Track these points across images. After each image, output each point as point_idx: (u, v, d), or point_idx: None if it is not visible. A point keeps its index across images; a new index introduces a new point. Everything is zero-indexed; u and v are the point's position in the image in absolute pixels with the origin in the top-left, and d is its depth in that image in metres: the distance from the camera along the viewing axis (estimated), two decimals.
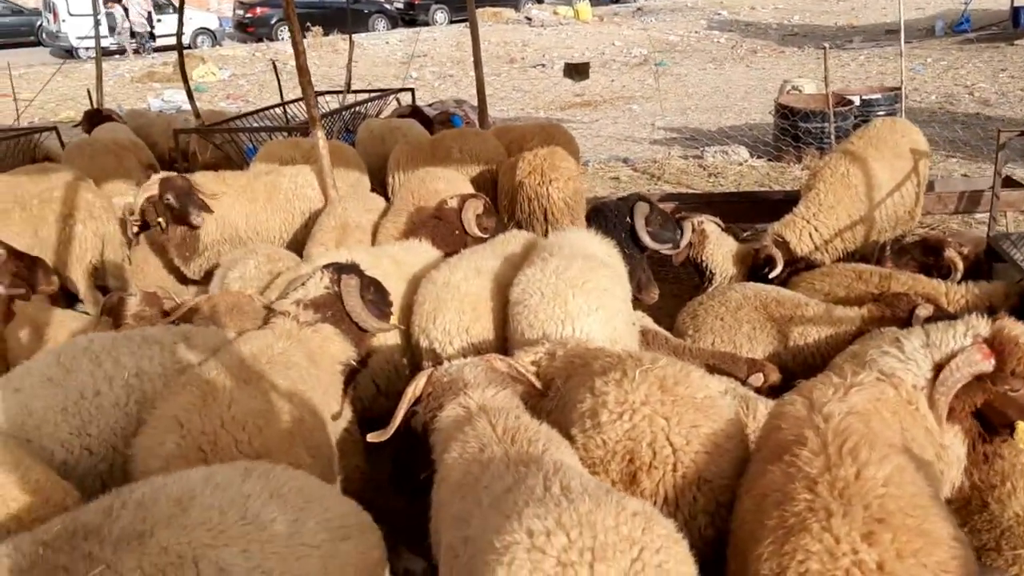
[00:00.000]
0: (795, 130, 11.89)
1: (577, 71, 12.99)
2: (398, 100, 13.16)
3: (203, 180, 7.45)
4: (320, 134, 7.23)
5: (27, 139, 11.47)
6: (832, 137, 11.56)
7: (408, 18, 36.51)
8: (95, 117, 12.13)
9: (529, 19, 34.35)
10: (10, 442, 3.55)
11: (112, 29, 31.75)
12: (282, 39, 33.43)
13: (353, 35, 32.93)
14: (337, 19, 33.64)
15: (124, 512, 2.54)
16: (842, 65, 21.01)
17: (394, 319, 4.76)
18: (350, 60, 12.78)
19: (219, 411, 3.34)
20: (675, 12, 36.02)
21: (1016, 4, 22.36)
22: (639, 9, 37.39)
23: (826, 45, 11.44)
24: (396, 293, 5.04)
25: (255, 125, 11.12)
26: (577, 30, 32.68)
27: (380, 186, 8.35)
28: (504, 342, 4.62)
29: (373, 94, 12.53)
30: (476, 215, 5.87)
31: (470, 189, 6.80)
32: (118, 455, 3.92)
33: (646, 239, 5.89)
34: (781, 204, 7.90)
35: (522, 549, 2.16)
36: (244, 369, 3.61)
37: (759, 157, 12.81)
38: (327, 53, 30.60)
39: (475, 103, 12.40)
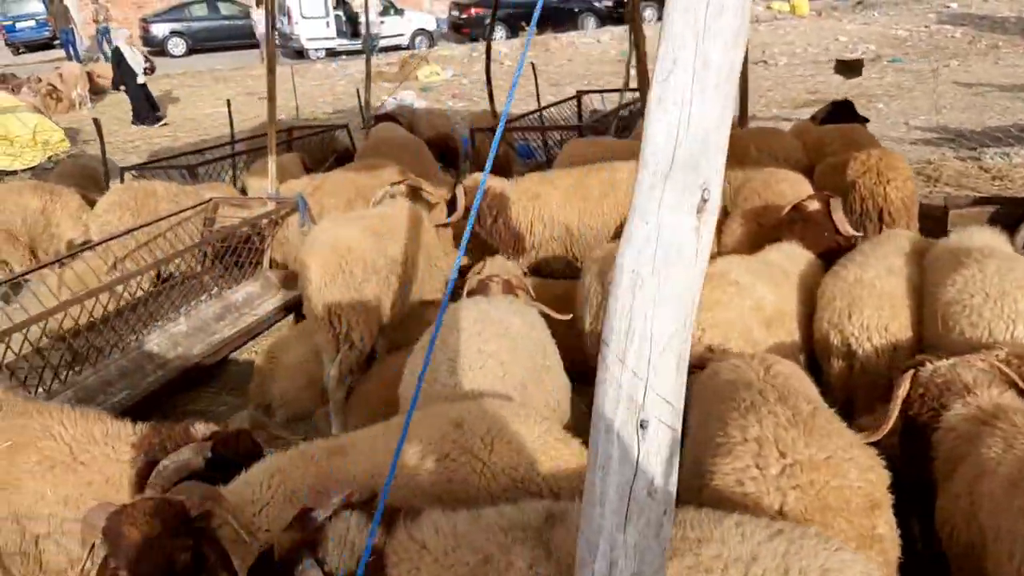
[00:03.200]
0: None
1: (849, 68, 12.68)
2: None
3: (528, 183, 7.84)
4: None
5: (323, 136, 12.41)
6: None
7: (617, 15, 36.58)
8: (383, 118, 12.94)
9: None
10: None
11: (340, 31, 33.61)
12: (496, 39, 34.35)
13: (563, 34, 33.40)
14: (551, 17, 34.23)
15: None
16: None
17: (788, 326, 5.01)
18: (629, 59, 13.00)
19: None
20: (899, 5, 34.42)
21: None
22: (860, 3, 35.96)
23: None
24: (787, 300, 5.16)
25: (523, 125, 11.57)
26: (795, 25, 31.83)
27: None
28: (919, 342, 4.65)
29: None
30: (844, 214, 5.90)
31: (810, 189, 6.82)
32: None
33: None
34: None
35: None
36: None
37: None
38: (540, 52, 31.21)
39: None
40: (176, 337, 7.63)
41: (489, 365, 4.17)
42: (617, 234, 7.45)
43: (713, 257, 6.06)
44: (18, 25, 34.37)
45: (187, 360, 7.32)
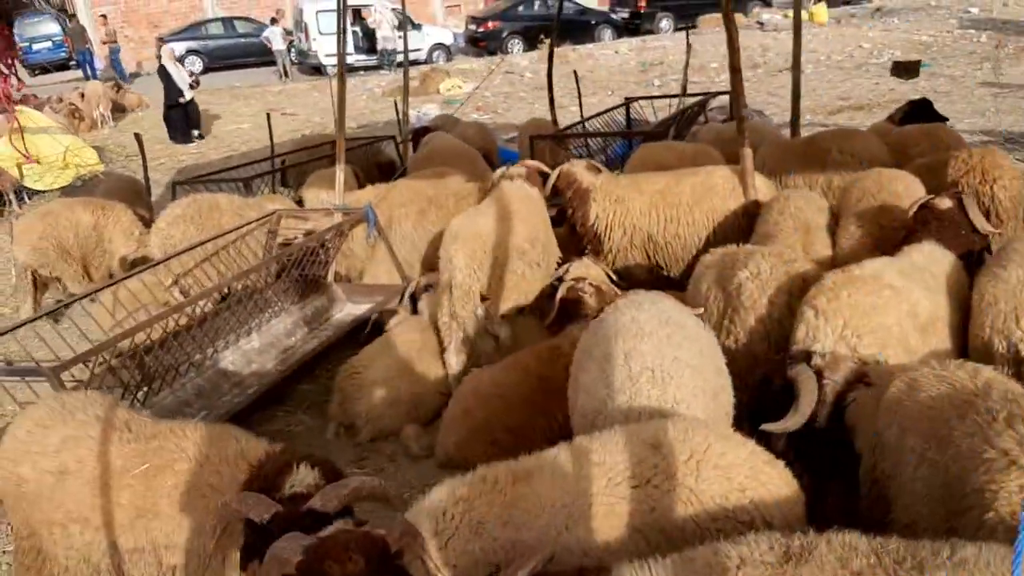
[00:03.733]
0: None
1: (906, 69, 12.48)
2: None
3: (612, 185, 7.55)
4: (745, 133, 7.18)
5: (367, 148, 12.14)
6: None
7: (633, 27, 36.47)
8: (421, 133, 12.66)
9: (761, 23, 33.58)
10: None
11: (357, 47, 33.42)
12: (512, 52, 34.24)
13: (581, 45, 33.22)
14: (568, 30, 34.13)
15: None
16: None
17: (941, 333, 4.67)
18: (687, 65, 12.76)
19: None
20: (918, 11, 34.24)
21: None
22: (878, 10, 35.79)
23: None
24: (939, 304, 4.83)
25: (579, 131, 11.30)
26: (815, 33, 31.51)
27: None
28: None
29: (700, 98, 12.42)
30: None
31: (923, 190, 6.51)
32: None
33: None
34: None
35: None
36: None
37: None
38: (560, 64, 30.95)
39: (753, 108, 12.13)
40: (249, 354, 7.35)
41: (687, 375, 3.84)
42: (710, 243, 7.13)
43: (843, 260, 5.76)
44: (35, 46, 34.24)
45: (263, 378, 7.02)
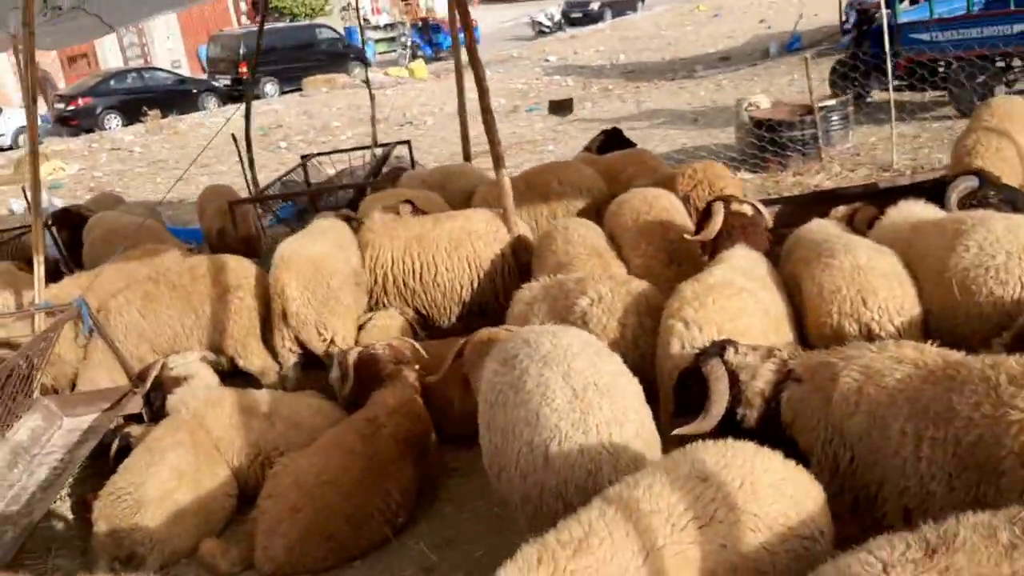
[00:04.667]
0: (781, 139, 12.59)
1: (562, 107, 13.33)
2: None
3: (363, 229, 7.15)
4: (503, 168, 7.11)
5: (19, 239, 10.47)
6: (820, 141, 12.44)
7: (237, 93, 35.40)
8: (67, 218, 11.08)
9: (366, 82, 34.20)
10: None
11: None
12: (110, 128, 31.58)
13: (187, 115, 31.58)
14: (169, 101, 32.43)
15: None
16: (718, 88, 22.34)
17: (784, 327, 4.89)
18: (373, 117, 12.46)
19: None
20: (504, 63, 37.03)
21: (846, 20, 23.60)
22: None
23: (807, 56, 12.33)
24: (777, 301, 5.05)
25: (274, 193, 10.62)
26: (421, 88, 32.97)
27: None
28: (927, 314, 4.80)
29: (385, 148, 12.21)
30: None
31: (680, 203, 6.91)
32: None
33: None
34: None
35: None
36: None
37: (736, 170, 13.39)
38: (170, 135, 29.29)
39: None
40: None
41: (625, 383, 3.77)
42: (473, 288, 7.03)
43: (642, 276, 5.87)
44: None
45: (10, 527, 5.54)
